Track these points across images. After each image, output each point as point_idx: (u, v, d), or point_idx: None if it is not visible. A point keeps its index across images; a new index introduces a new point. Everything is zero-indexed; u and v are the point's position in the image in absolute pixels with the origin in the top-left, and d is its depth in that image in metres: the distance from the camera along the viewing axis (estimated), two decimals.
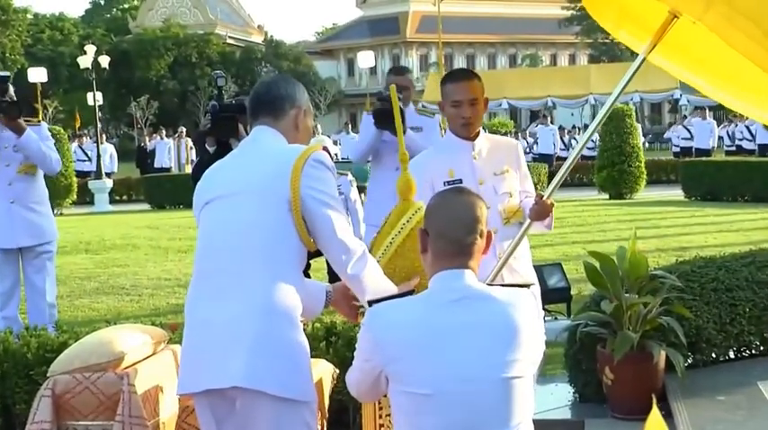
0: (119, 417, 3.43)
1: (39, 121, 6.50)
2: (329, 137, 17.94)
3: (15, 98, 6.09)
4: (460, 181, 3.97)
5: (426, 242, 2.52)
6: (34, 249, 6.21)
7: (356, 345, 2.55)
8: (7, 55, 53.82)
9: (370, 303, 2.55)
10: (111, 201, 21.73)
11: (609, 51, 56.27)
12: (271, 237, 2.91)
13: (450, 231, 2.48)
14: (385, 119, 5.85)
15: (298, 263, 2.97)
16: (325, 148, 3.19)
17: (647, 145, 33.50)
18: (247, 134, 6.03)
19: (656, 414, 1.66)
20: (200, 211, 3.10)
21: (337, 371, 3.93)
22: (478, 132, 4.15)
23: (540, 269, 7.09)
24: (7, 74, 6.34)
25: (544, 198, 3.89)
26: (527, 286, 2.62)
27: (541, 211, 3.89)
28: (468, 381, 2.34)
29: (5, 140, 6.04)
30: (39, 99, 31.70)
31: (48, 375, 3.68)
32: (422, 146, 5.67)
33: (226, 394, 2.84)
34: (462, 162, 4.07)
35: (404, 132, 5.83)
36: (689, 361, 5.20)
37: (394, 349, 2.40)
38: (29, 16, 60.33)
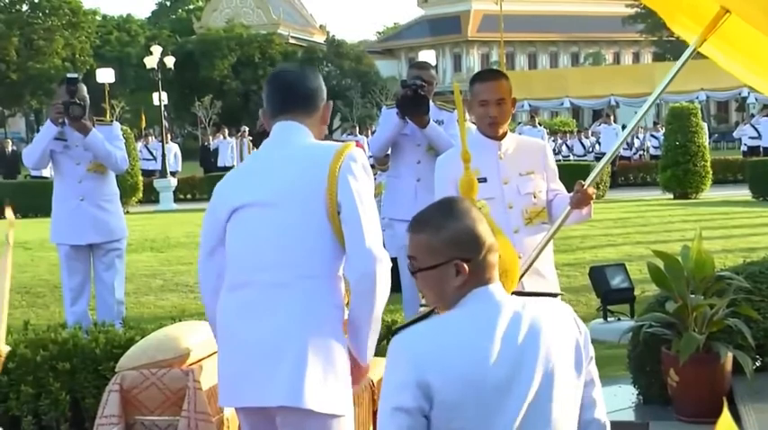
0: (184, 413, 3.48)
1: (111, 121, 6.64)
2: None
3: (87, 99, 6.24)
4: (485, 179, 3.98)
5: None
6: (104, 246, 6.32)
7: (384, 383, 2.15)
8: (77, 56, 54.94)
9: (395, 330, 2.27)
10: (176, 200, 22.04)
11: (674, 49, 55.29)
12: (310, 249, 2.82)
13: None
14: (411, 107, 5.84)
15: (337, 271, 2.87)
16: (358, 144, 3.09)
17: (712, 144, 32.91)
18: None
19: (726, 417, 1.62)
20: (226, 217, 2.95)
21: None
22: (506, 132, 4.15)
23: (602, 269, 7.04)
24: (76, 75, 6.47)
25: (585, 187, 3.86)
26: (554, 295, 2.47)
27: (582, 199, 3.86)
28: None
29: (76, 139, 6.17)
30: (107, 99, 32.34)
31: (115, 371, 3.74)
32: (446, 139, 5.66)
33: (268, 411, 2.81)
34: (488, 161, 4.06)
35: (427, 124, 5.88)
36: (757, 363, 5.10)
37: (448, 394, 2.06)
38: (97, 18, 61.55)
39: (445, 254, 2.17)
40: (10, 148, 26.15)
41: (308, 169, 2.88)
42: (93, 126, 6.18)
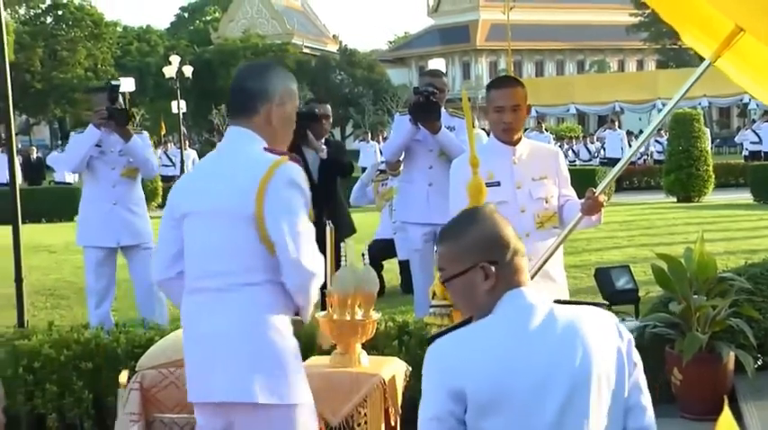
0: None
1: (140, 130, 6.70)
2: None
3: (124, 106, 6.35)
4: (498, 183, 4.00)
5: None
6: (135, 248, 6.37)
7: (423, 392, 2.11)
8: (99, 66, 55.13)
9: (431, 339, 2.23)
10: None
11: (677, 57, 55.17)
12: (247, 258, 2.88)
13: None
14: (423, 113, 5.85)
15: (276, 278, 2.89)
16: (295, 159, 2.97)
17: (714, 149, 32.80)
18: (317, 139, 6.11)
19: (727, 415, 1.62)
20: (179, 220, 3.00)
21: (410, 369, 3.93)
22: (520, 137, 4.15)
23: (608, 271, 7.01)
24: (119, 82, 6.56)
25: (596, 194, 3.86)
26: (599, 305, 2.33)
27: (593, 206, 3.87)
28: None
29: (112, 145, 6.23)
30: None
31: (136, 370, 3.75)
32: (457, 145, 5.67)
33: (220, 406, 2.89)
34: (502, 165, 4.07)
35: (439, 130, 5.88)
36: (758, 362, 5.07)
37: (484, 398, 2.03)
38: (118, 29, 61.73)
39: (470, 259, 2.13)
40: (35, 155, 26.23)
41: (241, 183, 2.88)
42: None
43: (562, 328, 2.07)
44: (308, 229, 2.89)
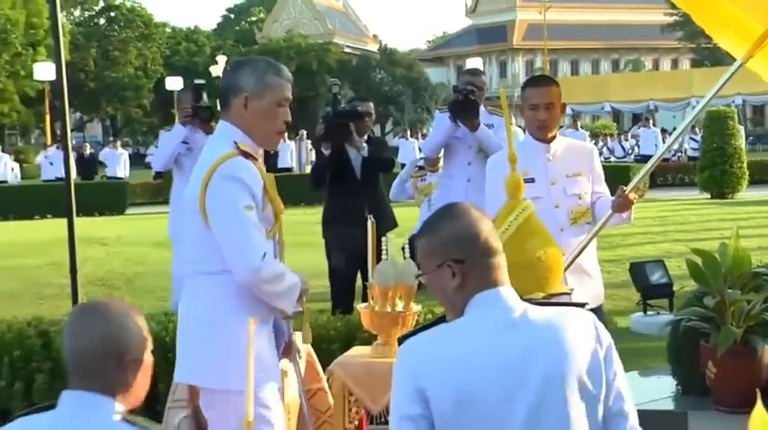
0: None
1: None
2: None
3: (208, 104, 6.48)
4: (533, 180, 3.97)
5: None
6: None
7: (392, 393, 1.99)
8: (148, 65, 55.73)
9: (402, 338, 2.14)
10: None
11: (712, 56, 54.34)
12: (201, 247, 2.99)
13: None
14: (462, 111, 5.84)
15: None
16: (245, 154, 2.95)
17: (748, 146, 32.31)
18: (359, 136, 6.14)
19: (760, 408, 1.61)
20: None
21: None
22: (555, 135, 4.13)
23: (642, 266, 6.96)
24: (203, 82, 6.69)
25: (626, 191, 3.85)
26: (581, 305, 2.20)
27: (623, 204, 3.86)
28: None
29: (198, 142, 6.34)
30: (176, 106, 32.74)
31: None
32: (495, 142, 5.65)
33: (190, 388, 3.15)
34: (537, 162, 4.05)
35: (478, 127, 5.87)
36: None
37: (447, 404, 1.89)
38: (167, 30, 62.29)
39: (440, 256, 2.00)
40: (88, 151, 26.57)
41: (197, 177, 2.99)
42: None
43: (536, 329, 1.95)
44: (243, 222, 2.89)
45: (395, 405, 1.95)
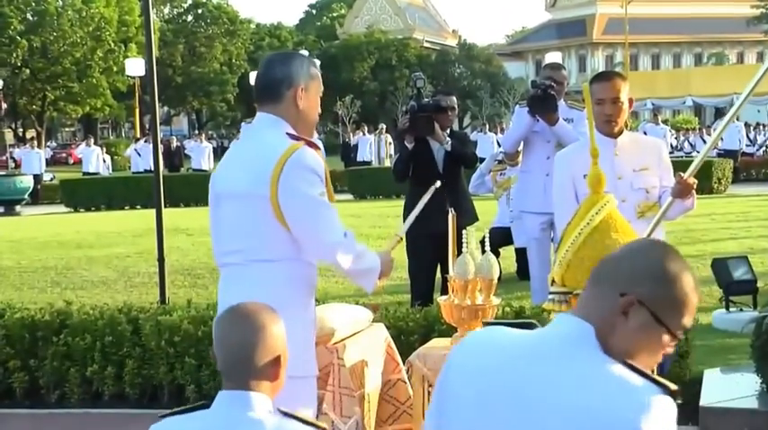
0: (329, 388, 3.53)
1: None
2: None
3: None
4: None
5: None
6: None
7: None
8: (233, 61, 56.58)
9: (486, 324, 1.85)
10: None
11: None
12: (260, 234, 2.97)
13: None
14: (540, 106, 5.78)
15: (292, 255, 2.99)
16: (311, 144, 3.02)
17: None
18: (442, 130, 6.10)
19: None
20: (212, 199, 3.15)
21: None
22: (622, 130, 4.10)
23: (725, 262, 6.76)
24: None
25: (685, 177, 3.78)
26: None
27: (683, 189, 3.80)
28: None
29: None
30: None
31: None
32: (574, 136, 5.56)
33: None
34: (603, 157, 3.95)
35: (556, 122, 5.79)
36: None
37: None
38: (252, 26, 63.16)
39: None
40: (174, 144, 27.14)
41: (260, 167, 2.95)
42: None
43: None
44: (321, 207, 2.96)
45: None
